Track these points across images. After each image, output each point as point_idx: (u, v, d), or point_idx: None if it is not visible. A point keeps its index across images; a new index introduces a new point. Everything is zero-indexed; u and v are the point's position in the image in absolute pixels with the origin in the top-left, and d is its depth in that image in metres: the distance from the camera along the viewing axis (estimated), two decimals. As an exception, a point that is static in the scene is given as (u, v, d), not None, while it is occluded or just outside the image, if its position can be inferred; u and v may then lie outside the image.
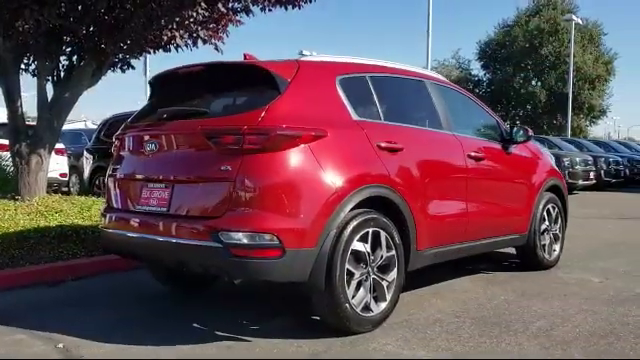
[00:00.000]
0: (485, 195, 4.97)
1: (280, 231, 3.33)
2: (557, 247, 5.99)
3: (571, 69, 33.81)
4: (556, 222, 5.98)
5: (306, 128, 3.54)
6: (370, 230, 3.73)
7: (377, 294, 3.81)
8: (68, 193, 11.80)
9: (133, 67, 8.18)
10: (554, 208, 5.94)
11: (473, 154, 4.83)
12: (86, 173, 11.63)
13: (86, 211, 6.37)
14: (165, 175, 3.75)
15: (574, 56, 34.51)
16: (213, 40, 7.46)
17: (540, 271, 5.71)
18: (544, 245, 5.74)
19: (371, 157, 3.87)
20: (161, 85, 4.37)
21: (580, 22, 36.43)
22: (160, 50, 7.72)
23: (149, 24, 6.41)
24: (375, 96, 4.15)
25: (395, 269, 3.92)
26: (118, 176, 4.16)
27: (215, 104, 3.84)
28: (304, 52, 46.22)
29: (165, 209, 3.68)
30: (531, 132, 5.42)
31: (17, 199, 6.87)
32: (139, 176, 3.94)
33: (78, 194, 10.29)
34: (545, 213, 5.75)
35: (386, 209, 3.88)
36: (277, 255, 3.34)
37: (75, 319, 4.10)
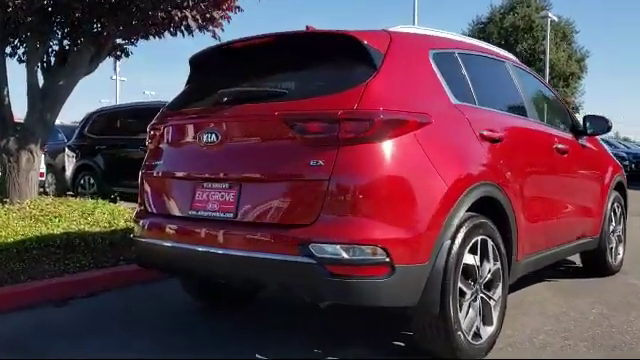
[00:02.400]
0: (568, 193, 4.35)
1: (388, 243, 2.62)
2: (621, 250, 5.45)
3: (547, 66, 33.79)
4: (619, 223, 5.43)
5: (411, 113, 2.84)
6: (479, 239, 3.06)
7: (484, 316, 3.14)
8: (45, 194, 10.81)
9: (127, 54, 7.35)
10: (618, 207, 5.38)
11: (560, 147, 4.21)
12: (68, 172, 10.66)
13: (89, 215, 5.53)
14: (230, 172, 2.99)
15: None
16: (222, 21, 6.64)
17: (606, 277, 5.16)
18: (611, 248, 5.18)
19: (477, 149, 3.20)
20: (211, 63, 3.58)
21: (555, 19, 36.51)
22: (153, 37, 6.94)
23: (160, 1, 5.59)
24: (467, 76, 3.47)
25: (500, 285, 3.26)
26: (157, 174, 3.39)
27: (292, 84, 3.06)
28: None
29: (230, 215, 2.92)
30: (611, 122, 4.81)
31: (5, 202, 5.98)
32: (191, 174, 3.18)
33: (56, 195, 9.35)
34: (612, 213, 5.18)
35: (491, 212, 3.21)
36: (385, 273, 2.62)
37: (91, 347, 3.36)
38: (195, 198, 3.11)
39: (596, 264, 5.15)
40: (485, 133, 3.27)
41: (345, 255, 2.60)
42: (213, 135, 3.01)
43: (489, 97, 3.65)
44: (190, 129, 3.22)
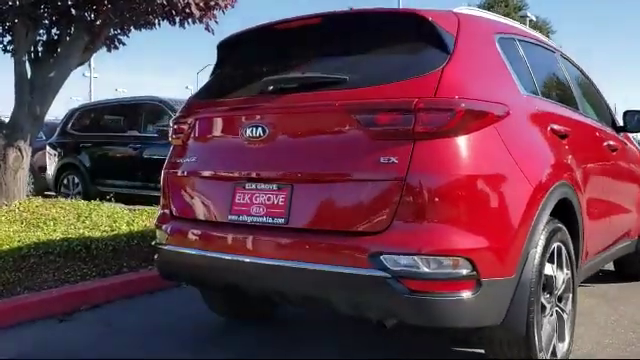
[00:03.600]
0: (617, 193, 4.06)
1: (475, 253, 2.26)
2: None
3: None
4: (651, 224, 5.15)
5: (491, 103, 2.48)
6: (555, 246, 2.72)
7: (559, 332, 2.81)
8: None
9: (121, 44, 6.87)
10: (651, 207, 5.10)
11: (611, 143, 3.92)
12: (50, 171, 10.06)
13: (86, 218, 5.07)
14: (279, 172, 2.60)
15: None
16: (227, 8, 6.24)
17: (638, 282, 4.89)
18: (648, 250, 4.90)
19: (550, 145, 2.88)
20: (247, 48, 3.16)
21: (534, 19, 36.63)
22: (145, 27, 6.50)
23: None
24: (529, 65, 3.13)
25: (570, 295, 2.95)
26: (186, 173, 2.98)
27: (350, 70, 2.63)
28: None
29: (281, 220, 2.53)
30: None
31: (-9, 203, 5.47)
32: (230, 173, 2.78)
33: (33, 194, 8.77)
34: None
35: (562, 215, 2.87)
36: (470, 289, 2.26)
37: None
38: (235, 201, 2.71)
39: (631, 268, 4.87)
40: (555, 127, 2.95)
41: (425, 268, 2.23)
42: (260, 129, 2.61)
43: (548, 89, 3.33)
44: (229, 122, 2.82)
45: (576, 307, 3.02)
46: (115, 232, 4.70)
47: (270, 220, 2.57)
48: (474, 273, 2.24)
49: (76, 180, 9.64)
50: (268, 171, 2.63)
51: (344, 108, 2.43)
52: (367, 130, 2.38)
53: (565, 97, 3.63)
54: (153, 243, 3.15)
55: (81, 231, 4.61)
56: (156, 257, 3.11)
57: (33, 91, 5.78)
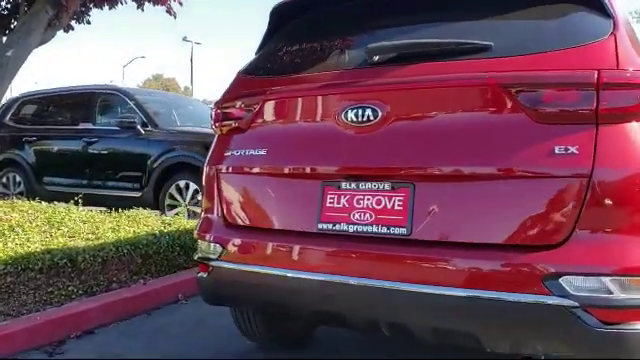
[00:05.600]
0: None
1: None
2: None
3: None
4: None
5: None
6: None
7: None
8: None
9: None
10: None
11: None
12: (-15, 168, 8.88)
13: (60, 224, 4.23)
14: (395, 165, 1.99)
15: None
16: None
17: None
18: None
19: None
20: (324, 8, 2.50)
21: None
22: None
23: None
24: None
25: None
26: (250, 169, 2.31)
27: (490, 33, 2.03)
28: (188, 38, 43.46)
29: (401, 229, 1.93)
30: None
31: None
32: (317, 169, 2.15)
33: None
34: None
35: None
36: None
37: None
38: (325, 205, 2.08)
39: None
40: None
41: (622, 293, 1.69)
42: (368, 111, 1.99)
43: None
44: (318, 103, 2.17)
45: None
46: (101, 241, 3.92)
47: (384, 230, 1.96)
48: None
49: (17, 179, 8.55)
50: (378, 165, 2.01)
51: (497, 82, 1.85)
52: (532, 111, 1.81)
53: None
54: (196, 257, 2.45)
55: (60, 240, 3.80)
56: (201, 276, 2.41)
57: (-13, 72, 4.86)
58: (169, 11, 6.80)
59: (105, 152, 7.49)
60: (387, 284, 1.91)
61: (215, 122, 2.48)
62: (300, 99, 2.22)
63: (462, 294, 1.80)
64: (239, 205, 2.33)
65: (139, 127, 7.09)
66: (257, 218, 2.28)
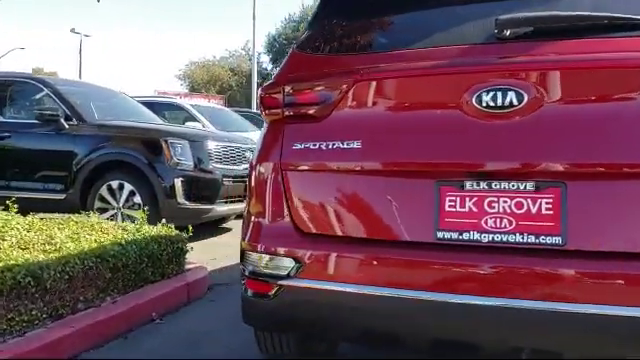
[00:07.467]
0: None
1: None
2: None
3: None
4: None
5: None
6: None
7: None
8: None
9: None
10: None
11: None
12: None
13: (2, 233, 3.49)
14: (544, 162, 1.65)
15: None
16: None
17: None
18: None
19: None
20: None
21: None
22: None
23: None
24: None
25: None
26: (333, 165, 1.89)
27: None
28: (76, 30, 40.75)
29: (554, 238, 1.61)
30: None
31: None
32: (431, 165, 1.78)
33: None
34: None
35: None
36: None
37: None
38: (444, 209, 1.70)
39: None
40: None
41: None
42: (511, 94, 1.63)
43: None
44: (435, 85, 1.78)
45: None
46: (63, 252, 3.26)
47: (532, 239, 1.62)
48: None
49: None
50: (520, 161, 1.66)
51: None
52: None
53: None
54: (247, 273, 1.97)
55: (12, 253, 3.10)
56: (258, 297, 1.94)
57: None
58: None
59: (19, 149, 6.54)
60: (540, 305, 1.57)
61: (270, 109, 2.02)
62: (409, 79, 1.83)
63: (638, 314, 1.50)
64: (320, 210, 1.89)
65: (62, 120, 6.25)
66: (348, 226, 1.85)
